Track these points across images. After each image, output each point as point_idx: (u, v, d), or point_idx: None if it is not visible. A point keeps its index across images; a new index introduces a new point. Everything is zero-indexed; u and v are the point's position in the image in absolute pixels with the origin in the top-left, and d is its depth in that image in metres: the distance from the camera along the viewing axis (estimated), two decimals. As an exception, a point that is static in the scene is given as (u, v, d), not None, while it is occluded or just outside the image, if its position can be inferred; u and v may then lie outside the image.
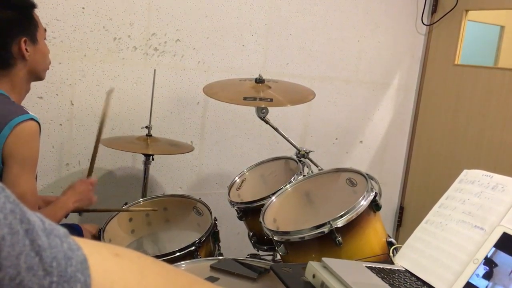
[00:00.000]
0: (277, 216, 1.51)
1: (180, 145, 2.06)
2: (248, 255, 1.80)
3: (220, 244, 1.76)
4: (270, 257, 1.84)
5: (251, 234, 1.73)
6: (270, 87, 1.85)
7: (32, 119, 1.35)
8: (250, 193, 1.80)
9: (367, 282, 0.98)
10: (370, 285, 0.97)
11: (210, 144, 2.52)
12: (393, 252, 1.29)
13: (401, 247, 1.18)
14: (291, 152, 1.97)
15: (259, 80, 1.85)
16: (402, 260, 1.12)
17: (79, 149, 2.23)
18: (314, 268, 0.98)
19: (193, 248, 1.59)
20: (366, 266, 1.05)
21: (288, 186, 1.60)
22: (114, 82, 2.22)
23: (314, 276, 0.97)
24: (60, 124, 2.17)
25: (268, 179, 1.86)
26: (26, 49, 1.40)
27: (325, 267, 0.98)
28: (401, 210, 3.20)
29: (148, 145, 1.93)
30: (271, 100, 1.74)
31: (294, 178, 1.64)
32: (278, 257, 1.60)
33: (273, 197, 1.57)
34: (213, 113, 2.48)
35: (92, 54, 2.15)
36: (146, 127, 1.99)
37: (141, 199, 1.90)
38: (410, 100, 3.08)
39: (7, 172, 1.31)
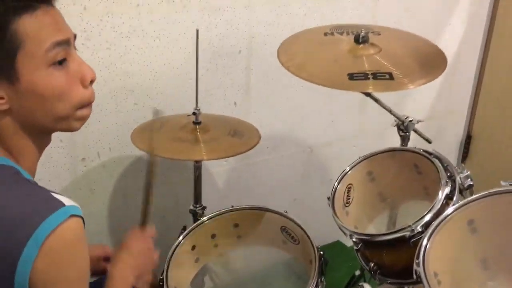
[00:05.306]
0: (439, 270, 1.01)
1: (240, 132, 1.47)
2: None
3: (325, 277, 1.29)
4: None
5: (372, 265, 1.25)
6: (379, 49, 1.23)
7: (72, 216, 0.76)
8: (366, 213, 1.26)
9: None
10: None
11: (257, 101, 1.95)
12: None
13: None
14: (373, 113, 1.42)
15: (362, 38, 1.21)
16: None
17: (96, 137, 1.65)
18: None
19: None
20: None
21: (446, 216, 1.07)
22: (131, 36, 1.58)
23: None
24: (66, 109, 1.57)
25: (385, 187, 1.30)
26: None
27: None
28: (468, 139, 2.75)
29: (199, 142, 1.37)
30: (391, 77, 1.13)
31: (449, 197, 1.10)
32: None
33: (425, 238, 1.04)
34: (259, 63, 1.87)
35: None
36: (194, 113, 1.41)
37: (205, 218, 1.38)
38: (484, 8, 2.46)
39: None
